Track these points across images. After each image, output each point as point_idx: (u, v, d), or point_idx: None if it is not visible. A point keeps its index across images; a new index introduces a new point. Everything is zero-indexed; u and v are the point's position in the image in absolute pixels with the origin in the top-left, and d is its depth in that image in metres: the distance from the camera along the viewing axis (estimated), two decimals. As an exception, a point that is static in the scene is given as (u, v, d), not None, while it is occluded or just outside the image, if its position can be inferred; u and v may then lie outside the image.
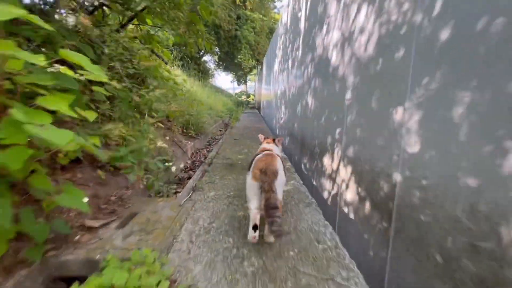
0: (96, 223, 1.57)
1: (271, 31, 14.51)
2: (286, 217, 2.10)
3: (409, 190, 1.09)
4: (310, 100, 2.86)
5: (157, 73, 2.76)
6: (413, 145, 1.07)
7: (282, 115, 5.26)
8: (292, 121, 3.99)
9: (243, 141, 5.27)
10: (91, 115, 1.23)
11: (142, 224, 1.72)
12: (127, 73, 2.12)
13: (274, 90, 7.14)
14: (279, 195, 1.61)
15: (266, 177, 1.58)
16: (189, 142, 3.42)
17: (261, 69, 13.53)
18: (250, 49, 13.80)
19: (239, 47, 13.55)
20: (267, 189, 1.52)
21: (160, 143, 2.40)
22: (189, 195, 2.41)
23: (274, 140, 2.49)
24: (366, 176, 1.48)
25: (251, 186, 1.65)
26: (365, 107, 1.51)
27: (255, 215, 1.64)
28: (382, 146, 1.30)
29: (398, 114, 1.16)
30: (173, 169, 2.48)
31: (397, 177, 1.17)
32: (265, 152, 1.99)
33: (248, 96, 13.34)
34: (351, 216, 1.66)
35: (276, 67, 6.70)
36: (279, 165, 1.79)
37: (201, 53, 16.12)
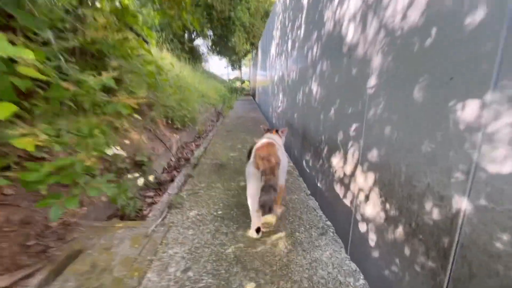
0: (4, 281, 1.02)
1: (267, 14, 13.69)
2: (295, 241, 1.68)
3: (486, 228, 0.72)
4: (315, 87, 2.45)
5: (123, 51, 2.21)
6: (498, 161, 0.69)
7: (279, 103, 4.84)
8: (291, 110, 3.59)
9: (237, 134, 4.64)
10: (4, 110, 0.81)
11: (81, 277, 1.22)
12: (64, 47, 1.58)
13: (270, 76, 6.66)
14: (281, 180, 1.69)
15: (269, 164, 1.54)
16: (175, 135, 2.99)
17: (256, 53, 12.87)
18: (245, 31, 13.00)
19: (233, 30, 12.70)
20: (267, 173, 1.51)
21: (135, 138, 1.96)
22: (162, 217, 1.84)
23: (277, 131, 2.32)
24: (398, 190, 1.11)
25: (253, 175, 1.60)
26: (400, 98, 1.11)
27: (257, 218, 1.64)
28: (431, 154, 0.92)
29: (469, 110, 0.77)
30: (140, 182, 1.96)
31: (463, 203, 0.79)
32: (265, 140, 1.86)
33: (243, 82, 12.63)
34: (370, 236, 1.31)
35: (272, 50, 6.19)
36: (280, 152, 1.75)
37: (193, 36, 15.28)
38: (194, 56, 12.61)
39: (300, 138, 2.98)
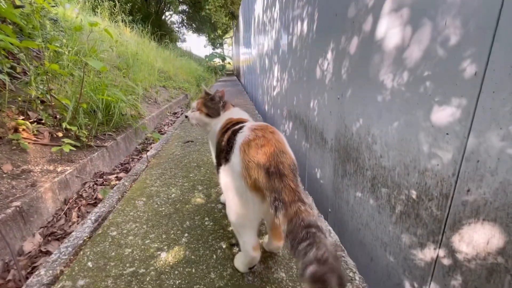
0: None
1: None
2: None
3: None
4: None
5: None
6: None
7: (274, 82, 3.21)
8: (297, 92, 2.01)
9: (203, 149, 2.36)
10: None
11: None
12: None
13: (258, 47, 4.94)
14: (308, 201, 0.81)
15: (282, 183, 0.71)
16: (59, 172, 1.32)
17: (236, 25, 10.79)
18: (221, -3, 10.71)
19: None
20: (290, 201, 0.68)
21: None
22: None
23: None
24: None
25: (246, 201, 0.80)
26: None
27: (254, 256, 0.88)
28: None
29: None
30: None
31: None
32: (255, 125, 0.90)
33: (224, 59, 10.41)
34: None
35: (259, 12, 4.43)
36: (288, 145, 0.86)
37: (163, 8, 12.88)
38: (164, 33, 10.40)
39: (321, 146, 1.44)
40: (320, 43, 1.60)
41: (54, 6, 2.96)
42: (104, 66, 1.62)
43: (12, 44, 1.67)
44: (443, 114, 0.71)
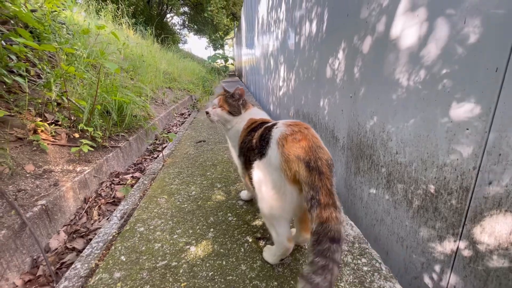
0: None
1: None
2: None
3: None
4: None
5: None
6: None
7: (281, 83, 3.24)
8: (307, 92, 2.03)
9: (215, 150, 2.37)
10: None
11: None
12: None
13: (262, 48, 4.97)
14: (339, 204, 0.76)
15: (320, 181, 0.74)
16: (78, 171, 1.41)
17: (238, 26, 10.81)
18: (223, -2, 10.73)
19: None
20: (324, 203, 0.72)
21: None
22: None
23: None
24: None
25: (284, 193, 0.83)
26: None
27: (288, 247, 0.93)
28: None
29: None
30: None
31: None
32: (289, 121, 0.91)
33: (226, 60, 10.45)
34: None
35: (263, 12, 4.47)
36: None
37: (165, 10, 12.94)
38: (166, 34, 10.45)
39: (348, 155, 1.46)
40: (330, 43, 1.63)
41: (63, 10, 3.01)
42: (117, 67, 1.66)
43: (26, 46, 1.71)
44: (463, 110, 0.73)
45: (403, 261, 1.06)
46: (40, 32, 1.78)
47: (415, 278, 1.00)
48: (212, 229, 1.21)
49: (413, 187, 0.97)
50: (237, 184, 1.64)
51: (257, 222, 1.25)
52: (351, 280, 0.92)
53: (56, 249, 1.09)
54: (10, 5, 1.55)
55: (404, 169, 1.01)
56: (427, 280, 0.93)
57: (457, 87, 0.75)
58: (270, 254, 1.01)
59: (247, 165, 1.02)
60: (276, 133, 0.86)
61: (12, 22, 1.61)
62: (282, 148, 0.81)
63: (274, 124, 0.93)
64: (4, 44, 1.62)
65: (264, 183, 0.88)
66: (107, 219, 1.33)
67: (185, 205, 1.42)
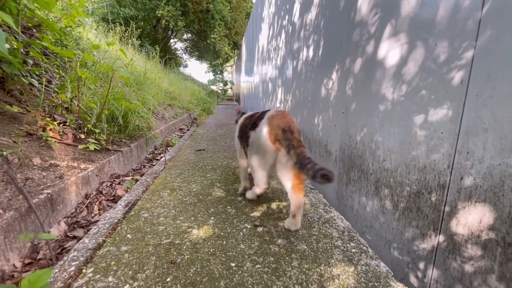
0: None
1: (248, 15, 12.31)
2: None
3: None
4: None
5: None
6: None
7: (278, 104, 3.41)
8: (302, 111, 2.17)
9: (214, 157, 2.46)
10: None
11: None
12: None
13: (261, 74, 5.26)
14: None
15: (292, 135, 1.22)
16: (82, 168, 1.44)
17: (238, 54, 11.41)
18: (226, 27, 11.44)
19: (212, 24, 11.07)
20: (297, 145, 1.19)
21: None
22: None
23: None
24: None
25: (266, 151, 1.27)
26: None
27: (264, 186, 1.40)
28: None
29: None
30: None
31: None
32: (276, 110, 1.41)
33: (226, 84, 10.88)
34: None
35: (263, 41, 4.81)
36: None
37: (168, 33, 13.63)
38: (170, 57, 10.92)
39: (345, 170, 1.55)
40: (325, 65, 1.80)
41: (77, 26, 3.21)
42: (128, 77, 1.78)
43: (46, 49, 1.84)
44: (437, 116, 0.85)
45: (390, 264, 1.11)
46: (61, 40, 1.93)
47: (402, 279, 1.04)
48: (212, 218, 1.33)
49: (398, 190, 1.05)
50: (236, 184, 1.74)
51: (256, 214, 1.37)
52: (341, 258, 1.07)
53: (57, 236, 1.11)
54: (39, 13, 1.70)
55: (390, 174, 1.10)
56: (412, 279, 0.98)
57: (432, 97, 0.87)
58: (250, 193, 1.53)
59: (244, 142, 1.50)
60: (267, 114, 1.38)
61: (34, 30, 1.74)
62: (269, 121, 1.30)
63: (268, 110, 1.43)
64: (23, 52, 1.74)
65: (256, 145, 1.32)
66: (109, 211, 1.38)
67: (187, 199, 1.54)
